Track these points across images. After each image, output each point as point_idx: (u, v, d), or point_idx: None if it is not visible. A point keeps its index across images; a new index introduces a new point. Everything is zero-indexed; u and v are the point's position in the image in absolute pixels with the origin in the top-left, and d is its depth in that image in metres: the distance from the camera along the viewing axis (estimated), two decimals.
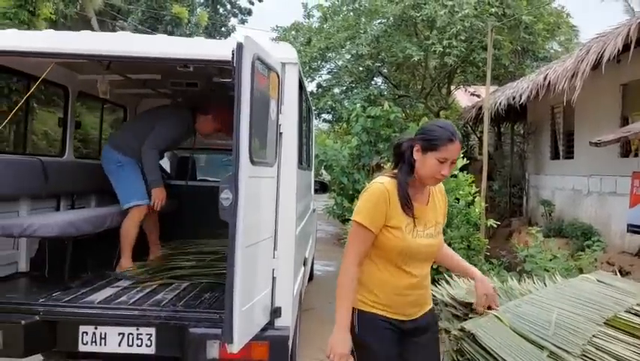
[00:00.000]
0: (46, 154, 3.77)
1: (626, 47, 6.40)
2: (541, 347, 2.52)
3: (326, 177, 11.23)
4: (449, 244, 3.94)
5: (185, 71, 3.48)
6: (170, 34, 22.01)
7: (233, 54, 2.35)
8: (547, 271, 4.59)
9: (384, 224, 2.03)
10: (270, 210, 2.86)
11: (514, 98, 9.37)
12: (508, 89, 10.08)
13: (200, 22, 25.39)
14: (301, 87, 3.29)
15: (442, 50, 9.92)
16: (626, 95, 7.85)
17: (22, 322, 2.83)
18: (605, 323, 2.73)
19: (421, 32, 11.94)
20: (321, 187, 6.66)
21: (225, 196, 2.40)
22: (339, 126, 14.33)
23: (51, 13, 17.48)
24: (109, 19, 24.87)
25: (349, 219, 9.04)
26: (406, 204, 2.04)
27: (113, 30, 24.80)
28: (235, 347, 2.40)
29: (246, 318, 2.53)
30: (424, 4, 10.29)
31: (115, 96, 4.54)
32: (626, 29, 6.37)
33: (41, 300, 3.06)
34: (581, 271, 6.14)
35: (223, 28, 32.63)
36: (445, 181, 5.11)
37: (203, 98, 4.43)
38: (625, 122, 7.56)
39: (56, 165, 3.90)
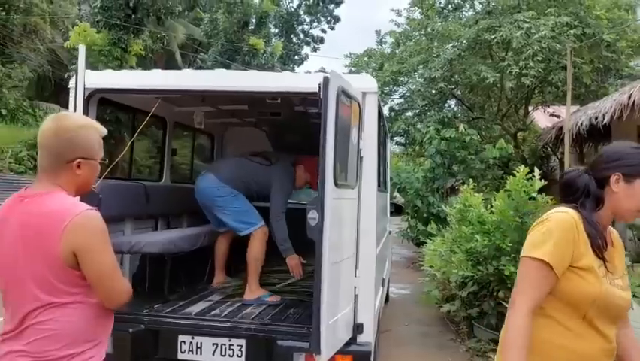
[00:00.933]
0: (147, 179, 4.18)
1: None
2: None
3: (399, 199, 11.27)
4: None
5: (272, 102, 3.77)
6: (247, 64, 23.10)
7: (320, 87, 2.58)
8: (636, 296, 4.40)
9: (570, 264, 1.63)
10: (351, 230, 3.03)
11: (596, 119, 9.02)
12: (589, 109, 9.72)
13: (275, 52, 26.44)
14: (379, 113, 3.47)
15: (518, 71, 9.78)
16: None
17: (130, 330, 3.15)
18: None
19: (495, 54, 11.83)
20: (396, 209, 6.76)
21: (312, 216, 2.60)
22: (412, 149, 14.35)
23: (140, 49, 19.01)
24: (190, 53, 26.52)
25: (424, 243, 9.00)
26: (600, 243, 1.65)
27: (194, 62, 26.40)
28: (323, 359, 2.56)
29: (332, 332, 2.69)
30: (499, 26, 10.23)
31: (206, 125, 4.93)
32: None
33: (145, 311, 3.38)
34: None
35: (296, 57, 33.75)
36: (522, 204, 5.09)
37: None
38: None
39: (155, 189, 4.30)
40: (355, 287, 3.06)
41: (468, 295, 5.64)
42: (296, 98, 3.90)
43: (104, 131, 1.83)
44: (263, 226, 4.16)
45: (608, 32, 10.32)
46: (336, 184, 2.64)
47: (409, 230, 10.74)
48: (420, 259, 8.50)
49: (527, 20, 9.94)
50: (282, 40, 30.48)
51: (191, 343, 3.24)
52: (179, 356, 3.26)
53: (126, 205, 3.89)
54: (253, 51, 24.33)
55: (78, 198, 1.75)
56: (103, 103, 3.52)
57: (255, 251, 4.07)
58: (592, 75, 11.41)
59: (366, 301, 3.12)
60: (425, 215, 10.28)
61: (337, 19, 34.97)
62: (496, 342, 5.18)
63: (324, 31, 34.92)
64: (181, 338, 3.24)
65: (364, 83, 3.14)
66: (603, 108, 8.81)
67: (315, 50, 34.26)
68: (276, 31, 32.12)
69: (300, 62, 33.23)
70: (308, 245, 4.86)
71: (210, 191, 4.20)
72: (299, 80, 3.30)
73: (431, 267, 6.42)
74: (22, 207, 1.68)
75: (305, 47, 34.47)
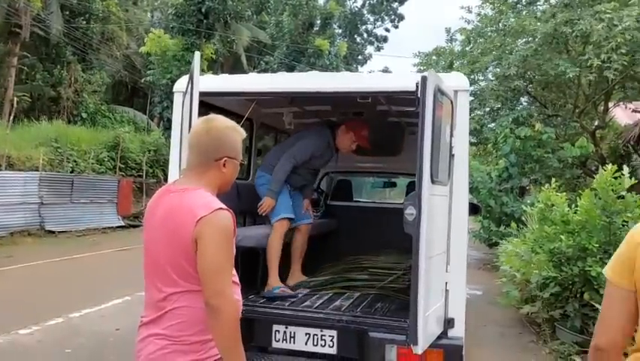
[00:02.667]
0: (237, 178, 4.39)
1: None
2: None
3: (472, 199, 11.09)
4: None
5: (362, 101, 3.88)
6: (312, 65, 23.42)
7: (417, 86, 2.66)
8: None
9: None
10: (443, 226, 3.09)
11: None
12: None
13: (340, 53, 26.64)
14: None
15: (600, 63, 9.36)
16: None
17: None
18: None
19: (573, 49, 11.37)
20: (473, 209, 6.69)
21: (410, 212, 2.68)
22: (483, 148, 14.05)
23: (212, 53, 19.74)
24: (256, 55, 27.21)
25: (497, 243, 8.78)
26: None
27: (259, 64, 27.05)
28: (419, 349, 2.64)
29: (426, 324, 2.76)
30: (578, 19, 9.83)
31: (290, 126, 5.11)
32: None
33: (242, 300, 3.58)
34: None
35: (360, 57, 33.81)
36: (610, 203, 4.92)
37: (342, 117, 4.67)
38: None
39: (244, 187, 4.52)
40: (447, 283, 3.11)
41: (550, 296, 5.51)
42: (382, 97, 3.99)
43: (244, 134, 1.99)
44: (284, 218, 4.08)
45: None
46: (432, 181, 2.71)
47: (481, 231, 10.56)
48: (494, 260, 8.35)
49: (609, 12, 9.49)
50: (346, 40, 30.67)
51: (285, 332, 3.39)
52: (274, 344, 3.42)
53: (222, 202, 4.11)
54: (318, 52, 24.66)
55: (215, 196, 1.89)
56: (201, 106, 3.75)
57: (269, 243, 4.00)
58: None
59: (457, 296, 3.16)
60: (498, 215, 10.08)
61: (401, 18, 34.75)
62: (580, 345, 5.07)
63: (387, 30, 34.82)
64: (275, 327, 3.40)
65: (456, 81, 3.19)
66: None
67: (378, 49, 34.26)
68: (340, 31, 32.33)
69: (364, 62, 33.33)
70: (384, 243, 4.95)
71: (256, 183, 4.29)
72: (394, 79, 3.40)
73: (510, 267, 6.32)
74: (169, 199, 1.86)
75: (368, 46, 34.51)
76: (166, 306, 1.78)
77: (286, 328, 3.39)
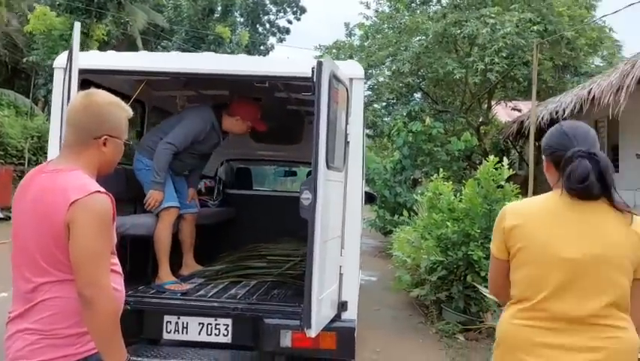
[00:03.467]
0: (125, 163, 4.14)
1: None
2: None
3: (367, 190, 11.46)
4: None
5: (256, 86, 3.82)
6: (213, 52, 22.83)
7: (313, 71, 2.66)
8: None
9: None
10: (338, 211, 3.14)
11: (557, 113, 9.43)
12: (550, 104, 10.14)
13: (242, 42, 26.20)
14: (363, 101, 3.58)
15: (483, 67, 10.11)
16: None
17: None
18: None
19: (461, 49, 12.14)
20: (369, 198, 6.91)
21: (306, 196, 2.69)
22: (379, 141, 14.58)
23: (103, 34, 18.53)
24: (153, 39, 25.98)
25: (391, 232, 9.16)
26: None
27: (157, 49, 25.87)
28: (313, 332, 2.67)
29: (320, 307, 2.80)
30: (466, 21, 10.51)
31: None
32: None
33: (130, 292, 3.39)
34: None
35: (262, 47, 33.52)
36: (491, 192, 5.32)
37: (228, 98, 4.38)
38: None
39: (131, 173, 4.27)
40: (341, 266, 3.17)
41: (437, 279, 5.85)
42: (280, 84, 3.96)
43: (130, 112, 1.84)
44: (171, 208, 3.84)
45: (568, 30, 10.77)
46: (327, 166, 2.74)
47: (377, 220, 10.96)
48: (388, 247, 8.71)
49: (493, 16, 10.25)
50: (248, 29, 30.23)
51: (177, 323, 3.28)
52: (165, 336, 3.29)
53: (107, 188, 3.87)
54: (219, 40, 24.07)
55: (94, 178, 1.74)
56: (84, 84, 3.49)
57: (156, 234, 3.76)
58: (551, 72, 11.88)
59: (351, 279, 3.24)
60: (392, 205, 10.52)
61: (303, 10, 34.92)
62: (463, 324, 5.45)
63: (290, 22, 34.83)
64: (167, 318, 3.28)
65: (352, 70, 3.25)
66: (564, 103, 9.22)
67: (281, 40, 34.15)
68: (242, 20, 31.80)
69: (266, 52, 33.05)
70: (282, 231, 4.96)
71: (135, 167, 3.96)
72: (291, 64, 3.37)
73: (402, 254, 6.62)
74: (40, 180, 1.69)
75: (271, 37, 34.29)
76: (36, 298, 1.63)
77: (178, 318, 3.27)
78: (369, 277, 8.59)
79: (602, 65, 13.54)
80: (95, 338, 1.63)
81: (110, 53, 3.69)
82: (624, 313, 1.66)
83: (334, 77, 2.79)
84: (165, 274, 3.73)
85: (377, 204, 10.76)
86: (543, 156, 1.84)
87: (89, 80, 3.42)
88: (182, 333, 3.28)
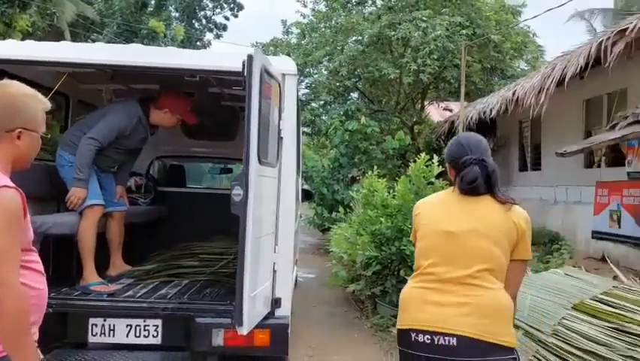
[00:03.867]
0: (49, 160, 3.93)
1: (588, 65, 6.90)
2: (517, 327, 2.84)
3: (306, 187, 11.51)
4: None
5: (187, 80, 3.73)
6: None
7: (243, 65, 2.63)
8: None
9: None
10: (272, 207, 3.12)
11: (484, 113, 9.85)
12: (479, 104, 10.58)
13: (177, 37, 25.50)
14: (297, 97, 3.57)
15: (416, 68, 10.41)
16: (588, 110, 8.40)
17: None
18: (572, 307, 3.08)
19: (395, 50, 12.43)
20: (306, 195, 6.93)
21: (237, 192, 2.65)
22: (317, 139, 14.67)
23: (27, 25, 17.47)
24: (82, 32, 24.81)
25: (330, 229, 9.20)
26: None
27: (87, 42, 24.73)
28: (244, 330, 2.63)
29: (252, 305, 2.77)
30: (399, 24, 10.77)
31: None
32: (587, 48, 6.88)
33: (52, 294, 3.22)
34: None
35: (198, 43, 32.80)
36: (422, 188, 5.48)
37: (156, 92, 4.23)
38: (588, 135, 8.08)
39: (54, 169, 4.06)
40: (274, 263, 3.16)
41: (372, 274, 5.95)
42: (213, 79, 3.88)
43: (48, 104, 1.75)
44: (95, 206, 3.68)
45: (495, 34, 11.28)
46: (260, 162, 2.71)
47: (315, 217, 11.02)
48: (326, 244, 8.77)
49: (425, 19, 10.58)
50: (184, 24, 29.46)
51: (103, 325, 3.15)
52: (91, 339, 3.16)
53: (28, 186, 3.65)
54: (152, 34, 23.30)
55: (8, 174, 1.64)
56: (2, 76, 3.27)
57: (80, 233, 3.60)
58: (480, 74, 12.41)
59: (284, 276, 3.23)
60: (330, 202, 10.61)
61: (240, 7, 34.48)
62: (397, 317, 5.57)
63: (227, 18, 34.29)
64: (92, 320, 3.15)
65: (284, 65, 3.23)
66: (491, 104, 9.64)
67: (218, 36, 33.49)
68: (177, 15, 30.97)
69: (203, 48, 32.36)
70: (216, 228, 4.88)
71: (58, 163, 3.77)
72: (221, 58, 3.31)
73: (339, 250, 6.69)
74: None
75: (208, 33, 33.61)
76: None
77: (104, 321, 3.15)
78: (307, 274, 8.62)
79: (526, 68, 14.27)
80: (1, 340, 1.54)
81: (30, 42, 3.48)
82: (497, 279, 1.96)
83: (266, 72, 2.77)
84: (90, 275, 3.56)
85: (315, 202, 10.82)
86: (447, 163, 2.17)
87: (5, 70, 3.22)
88: (109, 336, 3.16)
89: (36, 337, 1.68)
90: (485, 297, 1.93)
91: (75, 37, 24.23)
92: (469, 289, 1.94)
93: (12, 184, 1.59)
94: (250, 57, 2.61)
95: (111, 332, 3.15)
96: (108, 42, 22.69)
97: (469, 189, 1.99)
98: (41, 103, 1.74)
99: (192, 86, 4.02)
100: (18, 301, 1.53)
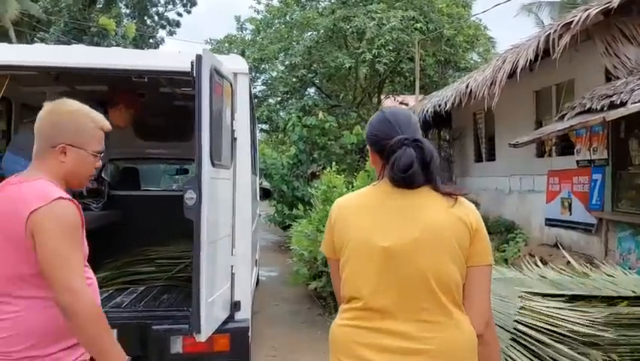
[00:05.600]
0: None
1: (537, 57, 7.10)
2: None
3: (266, 185, 11.44)
4: None
5: (136, 81, 3.60)
6: (97, 45, 21.38)
7: (192, 65, 2.55)
8: None
9: None
10: (227, 209, 3.06)
11: (439, 106, 10.01)
12: (434, 97, 10.74)
13: (128, 35, 24.81)
14: (250, 96, 3.52)
15: (371, 58, 10.48)
16: (539, 101, 8.65)
17: None
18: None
19: (350, 44, 12.48)
20: (265, 194, 6.87)
21: (190, 196, 2.58)
22: (275, 136, 14.59)
23: None
24: (28, 30, 23.79)
25: (290, 226, 9.18)
26: None
27: (33, 41, 23.75)
28: (203, 336, 2.57)
29: (210, 311, 2.71)
30: (354, 16, 10.82)
31: None
32: (536, 41, 7.07)
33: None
34: (506, 261, 6.72)
35: (151, 40, 32.03)
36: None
37: (114, 95, 4.11)
38: (539, 125, 8.32)
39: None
40: (232, 266, 3.10)
41: None
42: (163, 79, 3.77)
43: (104, 124, 1.76)
44: None
45: (447, 28, 11.48)
46: (212, 164, 2.65)
47: (275, 215, 10.96)
48: (287, 241, 8.74)
49: (379, 12, 10.66)
50: (135, 21, 28.70)
51: None
52: None
53: None
54: (102, 32, 22.57)
55: (62, 189, 1.65)
56: None
57: None
58: (434, 67, 12.62)
59: (243, 279, 3.18)
60: (290, 199, 10.58)
61: (194, 3, 33.85)
62: None
63: (180, 14, 33.59)
64: None
65: (235, 64, 3.17)
66: (445, 97, 9.80)
67: (171, 33, 32.80)
68: (128, 11, 30.14)
69: (156, 46, 31.61)
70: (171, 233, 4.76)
71: (7, 169, 3.56)
72: (170, 58, 3.21)
73: (299, 247, 6.66)
74: (5, 192, 1.62)
75: (160, 30, 32.85)
76: None
77: None
78: (269, 272, 8.56)
79: (479, 60, 14.60)
80: (84, 345, 1.59)
81: None
82: (455, 306, 1.49)
83: (216, 72, 2.70)
84: None
85: (275, 199, 10.76)
86: (368, 147, 1.67)
87: None
88: None
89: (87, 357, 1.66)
90: (446, 339, 1.46)
91: (20, 37, 23.23)
92: (423, 328, 1.45)
93: (67, 195, 1.61)
94: (199, 57, 2.54)
95: None
96: (56, 41, 21.91)
97: (403, 179, 1.49)
98: (91, 120, 1.74)
99: (142, 86, 3.90)
100: (88, 305, 1.54)
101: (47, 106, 1.73)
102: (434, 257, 1.47)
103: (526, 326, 2.76)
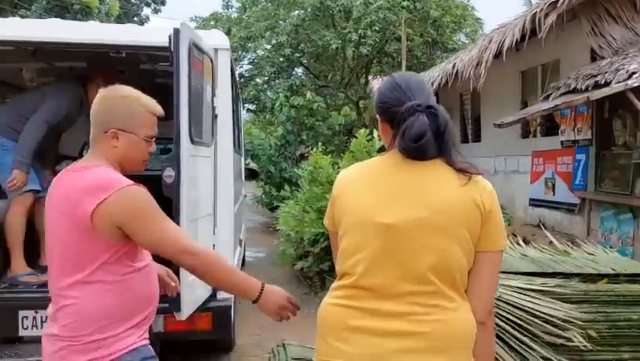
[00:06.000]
0: None
1: (524, 36, 7.07)
2: None
3: (253, 166, 11.40)
4: None
5: (115, 57, 3.52)
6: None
7: (170, 40, 2.49)
8: None
9: None
10: (208, 188, 3.03)
11: None
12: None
13: (112, 12, 24.33)
14: (232, 73, 3.46)
15: (357, 38, 10.39)
16: (525, 81, 8.65)
17: None
18: None
19: (338, 23, 12.35)
20: (251, 174, 6.84)
21: (169, 174, 2.55)
22: (262, 116, 14.49)
23: None
24: (9, 8, 23.26)
25: (278, 207, 9.18)
26: None
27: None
28: (183, 315, 2.57)
29: (191, 289, 2.69)
30: None
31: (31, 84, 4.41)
32: (522, 20, 7.04)
33: None
34: None
35: (136, 18, 31.46)
36: None
37: (91, 70, 3.92)
38: (525, 106, 8.34)
39: None
40: (214, 245, 3.08)
41: (319, 250, 5.98)
42: (143, 55, 3.69)
43: (156, 109, 1.75)
44: (28, 192, 3.46)
45: (434, 8, 11.40)
46: (192, 141, 2.61)
47: (263, 196, 10.94)
48: (274, 223, 8.73)
49: None
50: None
51: (34, 318, 3.00)
52: (22, 332, 3.01)
53: None
54: (85, 9, 22.10)
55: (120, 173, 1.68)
56: None
57: (8, 221, 3.39)
58: (422, 48, 12.55)
59: (225, 258, 3.16)
60: (278, 180, 10.55)
61: None
62: None
63: None
64: (22, 313, 2.99)
65: (216, 40, 3.10)
66: (432, 77, 9.76)
67: (156, 11, 32.21)
68: None
69: (141, 24, 31.04)
70: None
71: None
72: (147, 33, 3.14)
73: (286, 228, 6.66)
74: (65, 180, 1.65)
75: (145, 7, 32.25)
76: (59, 301, 1.62)
77: (36, 313, 2.99)
78: (256, 253, 8.57)
79: (466, 41, 14.53)
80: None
81: None
82: (457, 293, 1.40)
83: (195, 47, 2.64)
84: (19, 265, 3.35)
85: (263, 180, 10.72)
86: (377, 116, 1.54)
87: None
88: (42, 328, 3.00)
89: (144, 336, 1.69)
90: (443, 322, 1.37)
91: (1, 14, 22.74)
92: (420, 312, 1.36)
93: (132, 182, 1.63)
94: (177, 31, 2.48)
95: (43, 324, 3.00)
96: (38, 18, 21.43)
97: (415, 150, 1.37)
98: (141, 105, 1.73)
99: (122, 62, 3.81)
100: (206, 255, 1.68)
101: (101, 92, 1.76)
102: (438, 239, 1.36)
103: (500, 319, 2.75)
